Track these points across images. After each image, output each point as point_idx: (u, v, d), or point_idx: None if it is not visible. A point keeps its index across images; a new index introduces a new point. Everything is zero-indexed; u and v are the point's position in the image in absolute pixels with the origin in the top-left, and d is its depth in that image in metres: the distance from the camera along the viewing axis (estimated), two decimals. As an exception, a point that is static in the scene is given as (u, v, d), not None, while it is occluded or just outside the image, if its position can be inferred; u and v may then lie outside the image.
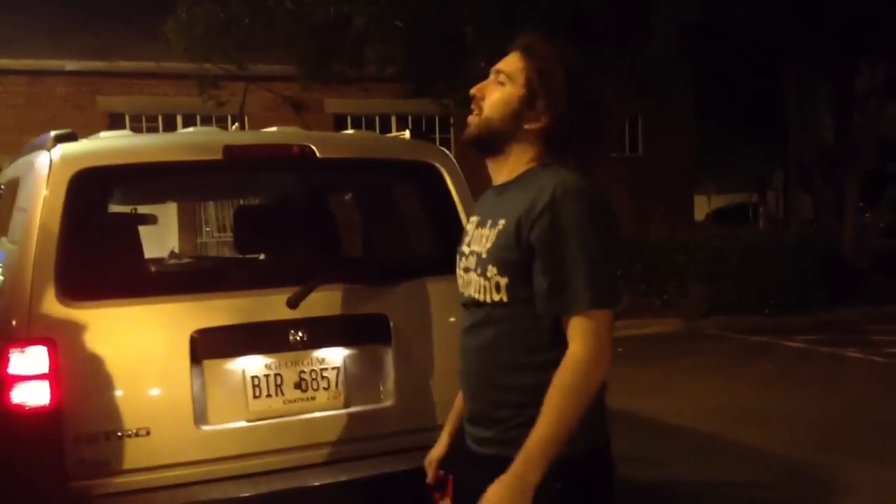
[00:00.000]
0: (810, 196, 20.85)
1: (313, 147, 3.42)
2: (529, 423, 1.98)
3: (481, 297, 2.11)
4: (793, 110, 16.58)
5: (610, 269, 2.03)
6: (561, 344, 2.02)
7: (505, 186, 2.17)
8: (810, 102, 16.40)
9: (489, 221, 2.15)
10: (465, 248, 2.22)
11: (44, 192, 3.04)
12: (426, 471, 2.43)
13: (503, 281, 2.06)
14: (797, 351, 10.45)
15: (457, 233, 3.57)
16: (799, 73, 15.73)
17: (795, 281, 12.89)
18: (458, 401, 2.39)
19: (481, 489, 1.98)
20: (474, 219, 2.25)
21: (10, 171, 3.89)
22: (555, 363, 2.00)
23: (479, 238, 2.16)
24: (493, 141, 2.19)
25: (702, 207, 30.73)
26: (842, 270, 13.71)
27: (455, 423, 2.40)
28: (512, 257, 2.05)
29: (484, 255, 2.11)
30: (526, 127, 2.14)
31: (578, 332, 1.99)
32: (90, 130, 3.49)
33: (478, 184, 3.73)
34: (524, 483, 1.94)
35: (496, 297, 2.08)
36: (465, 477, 2.23)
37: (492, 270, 2.08)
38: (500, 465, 1.98)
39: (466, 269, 2.19)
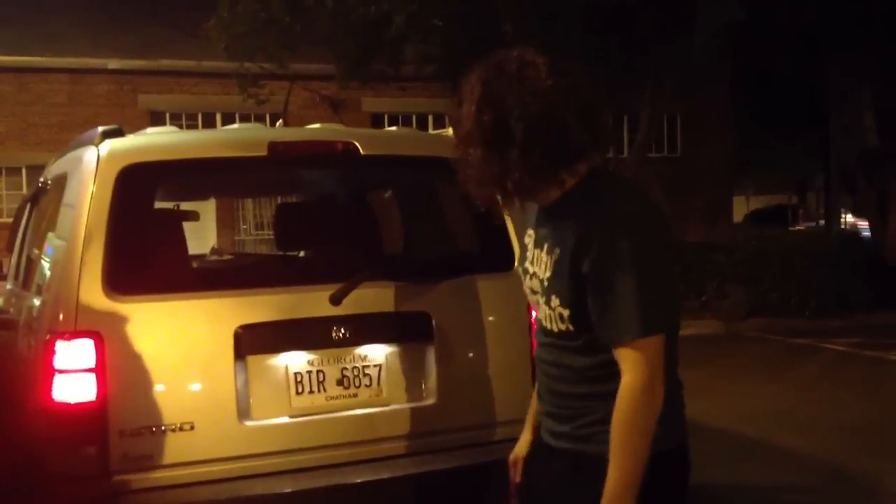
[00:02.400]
0: (851, 197, 20.58)
1: (357, 144, 3.43)
2: (603, 419, 1.99)
3: (549, 326, 2.11)
4: (834, 110, 16.38)
5: (662, 293, 1.98)
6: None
7: (553, 207, 2.10)
8: (852, 102, 16.19)
9: (545, 245, 2.12)
10: (529, 267, 2.19)
11: (92, 187, 3.06)
12: (510, 468, 2.39)
13: (566, 312, 2.05)
14: (839, 354, 10.31)
15: (499, 231, 3.59)
16: (841, 73, 15.53)
17: (837, 283, 12.72)
18: (536, 396, 2.37)
19: (557, 481, 2.00)
20: (531, 233, 2.21)
21: (57, 167, 3.93)
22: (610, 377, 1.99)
23: (538, 260, 2.14)
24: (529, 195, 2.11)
25: (740, 208, 30.47)
26: (884, 272, 13.50)
27: (535, 418, 2.37)
28: (570, 289, 2.03)
29: (546, 284, 2.10)
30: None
31: (629, 363, 1.97)
32: (131, 128, 3.52)
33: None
34: None
35: (562, 327, 2.07)
36: (539, 467, 2.22)
37: (555, 301, 2.07)
38: (575, 461, 2.01)
39: (533, 291, 2.18)
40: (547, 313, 2.10)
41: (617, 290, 1.95)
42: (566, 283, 2.03)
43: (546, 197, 2.09)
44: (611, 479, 1.95)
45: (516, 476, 2.38)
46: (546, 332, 2.14)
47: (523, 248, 2.25)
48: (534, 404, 2.37)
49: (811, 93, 17.91)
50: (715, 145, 21.04)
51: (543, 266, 2.11)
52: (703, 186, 20.61)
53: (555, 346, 2.12)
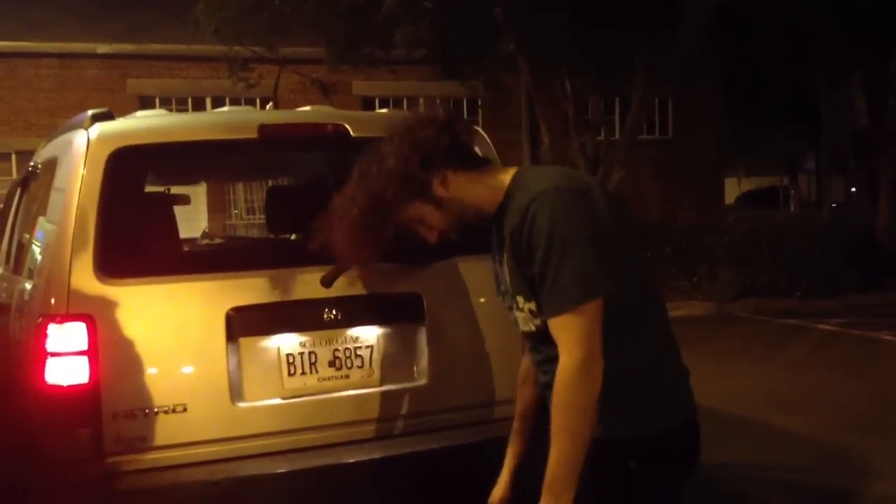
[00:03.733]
0: (842, 179, 20.64)
1: (347, 126, 3.43)
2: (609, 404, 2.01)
3: (528, 329, 2.13)
4: (825, 92, 16.39)
5: (585, 262, 1.97)
6: (616, 331, 2.02)
7: (494, 219, 2.17)
8: (843, 84, 16.20)
9: (498, 258, 2.20)
10: (501, 287, 2.23)
11: (82, 170, 3.06)
12: None
13: (532, 306, 2.07)
14: (829, 334, 10.36)
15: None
16: (831, 56, 15.54)
17: (827, 264, 12.77)
18: (515, 441, 2.41)
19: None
20: (494, 256, 2.26)
21: (47, 151, 3.92)
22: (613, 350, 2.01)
23: (502, 275, 2.19)
24: (463, 226, 2.20)
25: (732, 190, 30.52)
26: (875, 253, 13.56)
27: (513, 458, 2.40)
28: (525, 282, 2.07)
29: (511, 290, 2.13)
30: (441, 193, 2.14)
31: (561, 342, 1.99)
32: (121, 113, 3.52)
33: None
34: (558, 501, 1.97)
35: (536, 322, 2.09)
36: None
37: (521, 301, 2.10)
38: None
39: (509, 308, 2.20)
40: (522, 317, 2.13)
41: (542, 271, 1.99)
42: (519, 279, 2.07)
43: (474, 216, 2.16)
44: (551, 459, 1.98)
45: None
46: (530, 337, 2.17)
47: (494, 274, 2.28)
48: (513, 445, 2.40)
49: (802, 75, 17.91)
50: (706, 128, 21.05)
51: (505, 276, 2.15)
52: (694, 168, 20.63)
53: (540, 344, 2.13)
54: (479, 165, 2.19)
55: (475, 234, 2.19)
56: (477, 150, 3.42)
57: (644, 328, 2.11)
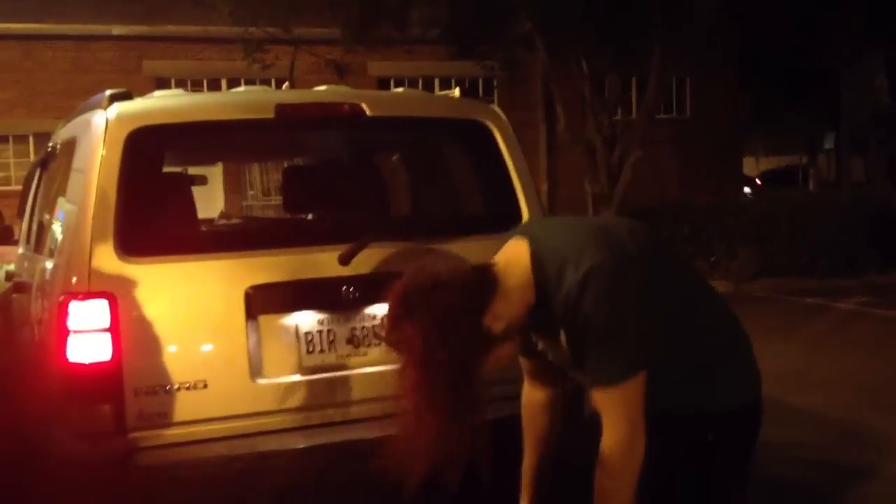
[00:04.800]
0: (862, 158, 20.47)
1: (363, 105, 3.43)
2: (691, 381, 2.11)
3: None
4: (845, 71, 16.24)
5: (630, 337, 2.00)
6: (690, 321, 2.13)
7: (533, 317, 2.12)
8: (864, 62, 16.05)
9: (543, 333, 2.21)
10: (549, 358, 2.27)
11: (101, 151, 3.08)
12: None
13: None
14: (848, 313, 10.32)
15: (507, 192, 3.60)
16: (852, 34, 15.39)
17: (847, 243, 12.70)
18: (528, 461, 2.44)
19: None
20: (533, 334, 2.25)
21: (66, 132, 3.94)
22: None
23: (553, 351, 2.21)
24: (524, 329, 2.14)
25: (750, 170, 30.32)
26: (894, 232, 13.46)
27: (531, 479, 2.43)
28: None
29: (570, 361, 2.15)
30: (500, 327, 2.05)
31: (606, 415, 2.04)
32: (137, 95, 3.53)
33: (524, 147, 3.72)
34: None
35: None
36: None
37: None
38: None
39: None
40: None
41: (589, 349, 2.02)
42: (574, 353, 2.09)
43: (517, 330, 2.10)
44: None
45: None
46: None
47: (531, 349, 2.29)
48: (525, 473, 2.43)
49: (822, 54, 17.74)
50: (724, 106, 20.89)
51: (562, 348, 2.15)
52: (712, 148, 20.50)
53: None
54: (496, 278, 2.07)
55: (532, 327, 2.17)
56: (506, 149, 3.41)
57: (712, 316, 2.22)
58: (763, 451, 4.89)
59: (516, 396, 2.50)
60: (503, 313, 2.03)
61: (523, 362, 2.42)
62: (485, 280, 2.04)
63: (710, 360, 2.18)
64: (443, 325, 1.95)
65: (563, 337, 2.11)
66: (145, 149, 3.12)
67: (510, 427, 2.49)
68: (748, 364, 2.26)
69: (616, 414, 2.02)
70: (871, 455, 5.15)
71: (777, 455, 4.98)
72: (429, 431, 2.01)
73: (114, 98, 3.22)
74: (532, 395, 2.44)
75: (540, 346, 2.26)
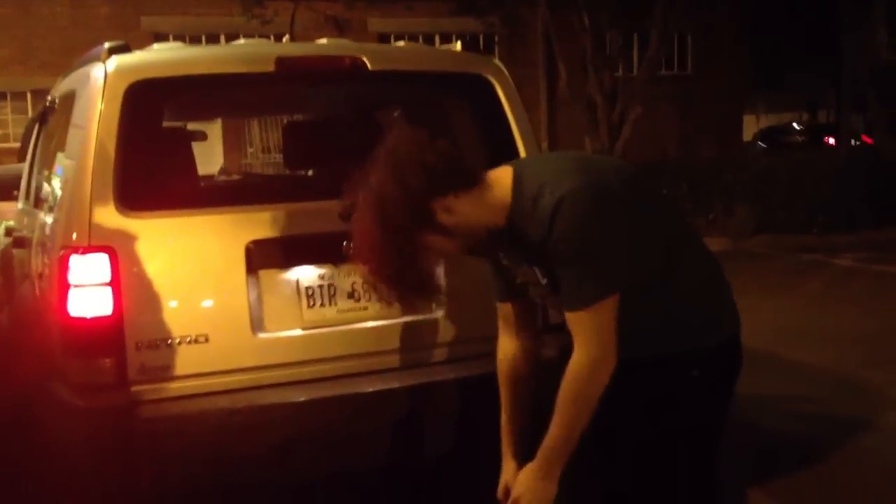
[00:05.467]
0: (862, 115, 20.38)
1: (365, 59, 3.41)
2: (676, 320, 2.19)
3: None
4: (846, 26, 16.10)
5: (601, 261, 2.05)
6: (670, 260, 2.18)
7: (509, 226, 2.17)
8: (865, 18, 15.92)
9: (510, 259, 2.27)
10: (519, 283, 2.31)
11: (100, 104, 3.07)
12: (501, 500, 2.43)
13: None
14: (846, 269, 10.34)
15: (507, 146, 3.59)
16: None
17: (846, 200, 12.69)
18: (507, 416, 2.46)
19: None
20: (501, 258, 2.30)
21: (65, 85, 3.93)
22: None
23: (529, 276, 2.25)
24: (478, 244, 2.19)
25: (751, 127, 30.20)
26: (893, 189, 13.45)
27: (511, 445, 2.45)
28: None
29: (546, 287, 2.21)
30: (449, 221, 2.09)
31: (578, 335, 2.09)
32: (136, 49, 3.51)
33: (524, 104, 3.70)
34: (548, 475, 2.15)
35: None
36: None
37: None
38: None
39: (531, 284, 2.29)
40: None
41: (563, 270, 2.08)
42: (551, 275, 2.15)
43: (485, 232, 2.14)
44: (549, 438, 2.12)
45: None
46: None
47: (499, 271, 2.36)
48: (505, 429, 2.45)
49: (823, 8, 17.60)
50: (726, 63, 20.78)
51: (536, 276, 2.21)
52: (713, 105, 20.41)
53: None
54: (476, 181, 2.13)
55: (485, 250, 2.22)
56: (507, 103, 3.43)
57: (691, 254, 2.26)
58: (758, 404, 4.97)
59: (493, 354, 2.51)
60: (461, 212, 2.08)
61: (500, 308, 2.44)
62: (461, 174, 2.10)
63: (694, 298, 2.22)
64: (398, 182, 2.03)
65: (535, 261, 2.17)
66: (145, 102, 3.10)
67: (488, 385, 2.52)
68: (728, 302, 2.32)
69: (586, 336, 2.07)
70: (866, 408, 5.19)
71: (772, 408, 5.05)
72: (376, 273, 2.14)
73: (112, 51, 3.20)
74: (507, 347, 2.45)
75: (518, 279, 2.28)
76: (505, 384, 2.46)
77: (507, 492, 2.41)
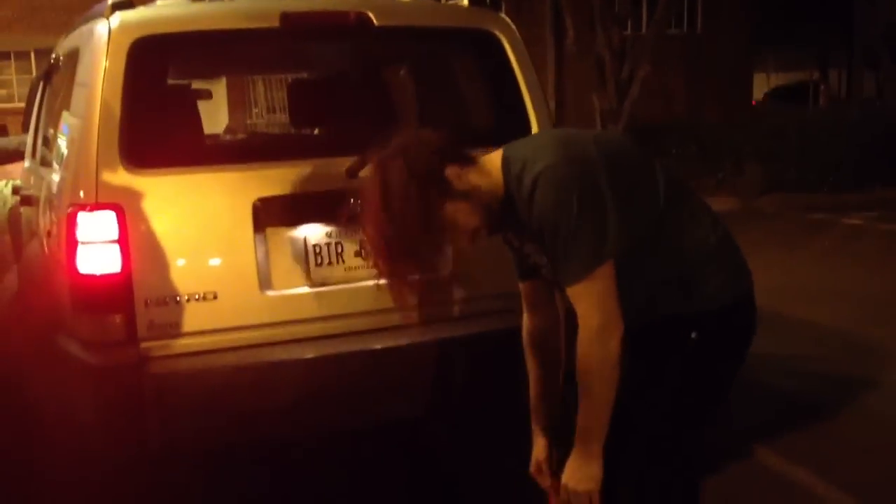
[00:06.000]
0: (874, 74, 20.22)
1: (371, 14, 3.38)
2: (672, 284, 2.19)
3: None
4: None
5: (585, 233, 2.05)
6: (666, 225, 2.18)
7: (503, 210, 2.20)
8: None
9: (515, 237, 2.32)
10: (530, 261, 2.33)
11: (104, 62, 3.05)
12: (535, 477, 2.47)
13: None
14: (855, 228, 10.31)
15: (515, 104, 3.57)
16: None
17: (856, 158, 12.62)
18: (535, 391, 2.47)
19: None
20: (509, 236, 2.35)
21: (68, 42, 3.90)
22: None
23: (531, 253, 2.28)
24: (496, 218, 2.20)
25: (761, 86, 29.96)
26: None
27: (541, 420, 2.47)
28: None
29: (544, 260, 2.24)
30: (463, 186, 2.12)
31: (579, 310, 2.09)
32: (139, 4, 3.47)
33: (531, 61, 3.67)
34: (588, 456, 2.15)
35: None
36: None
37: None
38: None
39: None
40: None
41: (552, 248, 2.10)
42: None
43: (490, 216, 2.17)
44: (581, 414, 2.14)
45: (545, 481, 2.44)
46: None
47: (514, 251, 2.39)
48: (534, 406, 2.47)
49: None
50: (735, 21, 20.56)
51: (533, 253, 2.26)
52: (722, 64, 20.24)
53: None
54: (475, 158, 2.20)
55: (501, 224, 2.23)
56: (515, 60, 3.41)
57: (689, 219, 2.23)
58: (764, 362, 4.99)
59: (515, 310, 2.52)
60: (470, 180, 2.12)
61: (521, 288, 2.46)
62: (462, 150, 2.16)
63: (694, 261, 2.21)
64: (408, 156, 2.07)
65: (529, 238, 2.20)
66: (150, 59, 3.08)
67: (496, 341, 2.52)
68: (733, 264, 2.29)
69: (586, 307, 2.08)
70: (872, 366, 5.21)
71: (778, 367, 5.06)
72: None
73: (116, 7, 3.17)
74: (530, 325, 2.47)
75: (530, 258, 2.31)
76: (531, 361, 2.47)
77: (540, 468, 2.44)
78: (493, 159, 2.20)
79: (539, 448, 2.46)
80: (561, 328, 2.45)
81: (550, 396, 2.46)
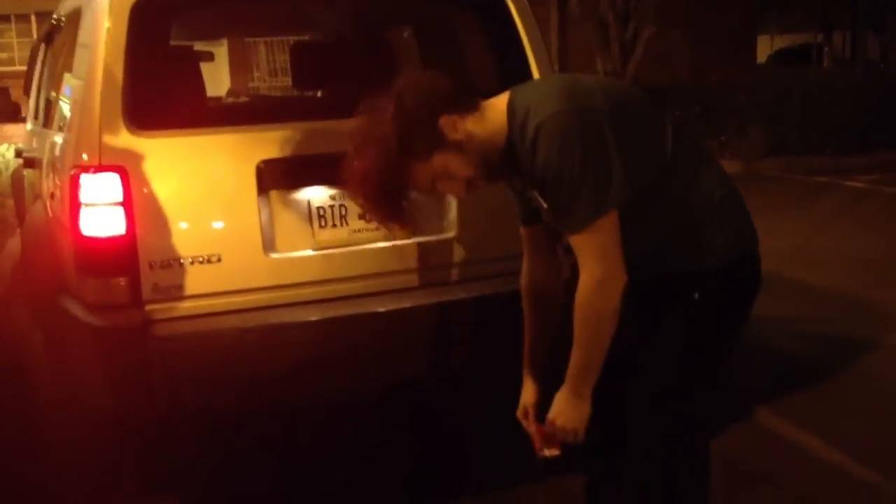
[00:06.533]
0: (878, 36, 20.06)
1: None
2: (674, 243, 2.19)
3: None
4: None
5: (589, 182, 2.03)
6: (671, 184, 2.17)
7: (507, 150, 2.18)
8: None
9: (517, 184, 2.30)
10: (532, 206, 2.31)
11: (106, 22, 3.03)
12: (521, 421, 2.47)
13: None
14: (857, 191, 10.30)
15: (520, 66, 3.54)
16: None
17: (859, 121, 12.56)
18: (529, 339, 2.48)
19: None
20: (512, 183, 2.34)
21: (70, 3, 3.88)
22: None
23: (533, 199, 2.25)
24: (493, 167, 2.18)
25: (764, 48, 29.75)
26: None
27: (531, 366, 2.48)
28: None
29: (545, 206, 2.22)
30: (457, 136, 2.12)
31: (581, 258, 2.08)
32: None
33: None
34: (578, 395, 2.18)
35: None
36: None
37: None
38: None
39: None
40: None
41: (555, 196, 2.09)
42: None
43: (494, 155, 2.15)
44: (573, 361, 2.16)
45: (531, 426, 2.43)
46: None
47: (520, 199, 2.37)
48: (527, 351, 2.47)
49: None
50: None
51: (536, 198, 2.22)
52: (726, 25, 20.05)
53: None
54: (477, 105, 2.18)
55: (500, 172, 2.21)
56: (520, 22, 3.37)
57: (696, 176, 2.22)
58: (767, 325, 5.00)
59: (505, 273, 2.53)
60: (467, 129, 2.11)
61: (523, 233, 2.45)
62: (460, 95, 2.14)
63: (698, 216, 2.20)
64: (403, 99, 2.08)
65: (530, 184, 2.18)
66: (152, 19, 3.06)
67: (510, 304, 2.53)
68: (738, 221, 2.28)
69: (588, 257, 2.07)
70: (874, 329, 5.23)
71: (780, 329, 5.08)
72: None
73: (117, -34, 3.14)
74: (529, 270, 2.47)
75: (533, 203, 2.28)
76: (528, 306, 2.47)
77: (527, 412, 2.45)
78: (498, 104, 2.17)
79: (529, 393, 2.47)
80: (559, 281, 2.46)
81: (545, 342, 2.47)
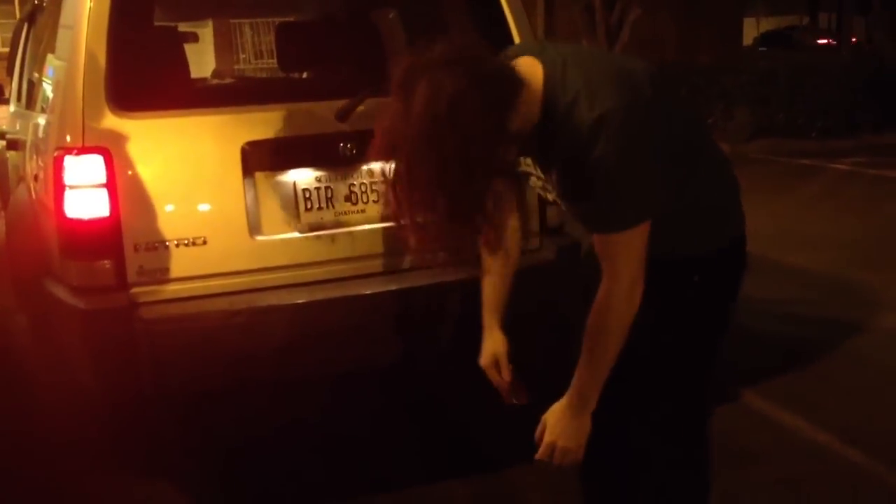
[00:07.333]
0: (863, 18, 20.07)
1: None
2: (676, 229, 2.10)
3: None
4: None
5: (640, 186, 1.94)
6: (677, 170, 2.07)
7: (534, 137, 1.98)
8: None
9: (531, 163, 2.12)
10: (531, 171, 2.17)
11: (88, 3, 3.00)
12: (488, 371, 2.36)
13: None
14: (843, 173, 10.33)
15: (506, 46, 3.52)
16: None
17: (845, 103, 12.59)
18: (489, 291, 2.37)
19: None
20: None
21: (53, -17, 3.83)
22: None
23: (548, 180, 2.14)
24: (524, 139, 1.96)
25: (750, 31, 29.77)
26: (894, 92, 13.33)
27: (494, 313, 2.37)
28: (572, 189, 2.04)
29: (556, 192, 2.12)
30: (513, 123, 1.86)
31: (610, 261, 1.98)
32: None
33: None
34: (583, 411, 2.06)
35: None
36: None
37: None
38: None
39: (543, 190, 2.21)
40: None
41: (599, 191, 1.92)
42: (569, 187, 2.03)
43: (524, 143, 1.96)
44: (581, 376, 2.05)
45: (504, 376, 2.33)
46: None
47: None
48: (489, 300, 2.36)
49: None
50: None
51: (553, 181, 2.08)
52: (713, 7, 20.05)
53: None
54: (523, 85, 1.89)
55: (527, 149, 2.03)
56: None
57: (705, 162, 2.18)
58: (752, 307, 5.01)
59: None
60: (522, 113, 1.89)
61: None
62: (511, 77, 1.88)
63: (706, 203, 2.18)
64: (457, 109, 1.72)
65: (558, 169, 2.03)
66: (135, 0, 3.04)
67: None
68: (735, 205, 2.28)
69: (618, 261, 1.98)
70: (858, 310, 5.24)
71: (765, 311, 5.09)
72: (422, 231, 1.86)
73: (100, -53, 3.10)
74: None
75: (529, 173, 2.17)
76: (487, 259, 2.34)
77: (495, 361, 2.35)
78: (534, 73, 1.92)
79: (497, 342, 2.35)
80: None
81: (506, 290, 2.36)
